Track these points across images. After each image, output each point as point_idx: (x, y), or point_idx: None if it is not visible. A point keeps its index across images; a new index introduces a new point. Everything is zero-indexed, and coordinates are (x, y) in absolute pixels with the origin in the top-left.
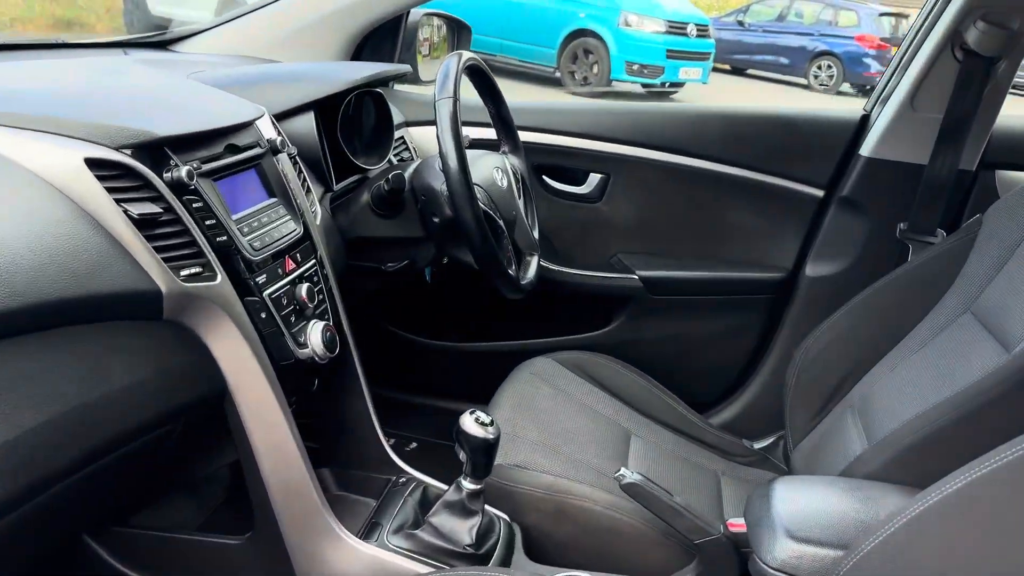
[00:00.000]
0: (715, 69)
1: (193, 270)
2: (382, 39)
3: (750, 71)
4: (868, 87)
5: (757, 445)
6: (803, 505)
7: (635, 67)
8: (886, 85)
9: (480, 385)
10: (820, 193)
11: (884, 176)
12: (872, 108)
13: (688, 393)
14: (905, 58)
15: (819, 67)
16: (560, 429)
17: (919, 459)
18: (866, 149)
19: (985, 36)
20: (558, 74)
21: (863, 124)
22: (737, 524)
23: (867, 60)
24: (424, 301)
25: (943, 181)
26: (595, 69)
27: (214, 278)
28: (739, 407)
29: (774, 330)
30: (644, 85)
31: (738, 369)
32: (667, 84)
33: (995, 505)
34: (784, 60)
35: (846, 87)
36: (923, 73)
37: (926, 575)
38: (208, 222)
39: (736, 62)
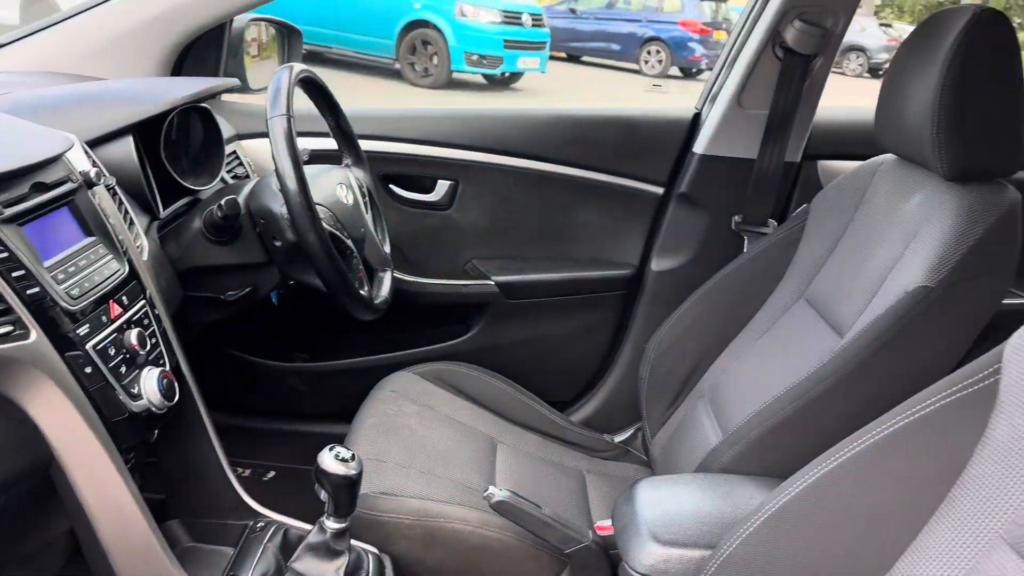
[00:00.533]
0: (552, 57)
1: (1, 330)
2: (205, 48)
3: (585, 58)
4: (694, 70)
5: (617, 439)
6: (667, 508)
7: (474, 58)
8: (714, 84)
9: (340, 405)
10: (660, 190)
11: (717, 171)
12: (703, 106)
13: (549, 393)
14: (730, 58)
15: (648, 52)
16: (425, 447)
17: (769, 449)
18: (699, 146)
19: (802, 35)
20: (398, 66)
21: (695, 122)
22: (604, 527)
23: (692, 44)
24: (272, 322)
25: (771, 174)
26: (435, 60)
27: (27, 336)
28: (598, 403)
29: (626, 325)
30: (485, 76)
31: (595, 365)
32: (506, 74)
33: (845, 494)
34: (615, 46)
35: (674, 71)
36: (748, 72)
37: (788, 564)
38: (15, 273)
39: (571, 49)
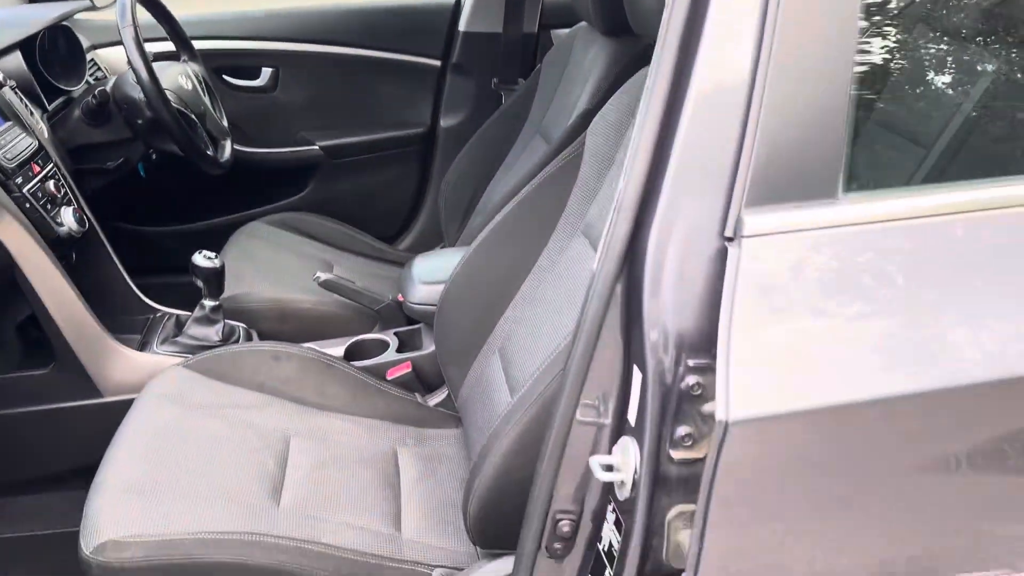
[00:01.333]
0: None
1: None
2: None
3: None
4: None
5: None
6: (429, 264)
7: None
8: None
9: None
10: (438, 63)
11: (477, 44)
12: None
13: (377, 230)
14: None
15: None
16: (275, 268)
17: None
18: (462, 25)
19: None
20: None
21: (457, 5)
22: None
23: None
24: (147, 198)
25: (515, 42)
26: None
27: None
28: (415, 233)
29: (428, 171)
30: None
31: (408, 205)
32: None
33: (509, 227)
34: None
35: None
36: None
37: (480, 276)
38: None
39: None
